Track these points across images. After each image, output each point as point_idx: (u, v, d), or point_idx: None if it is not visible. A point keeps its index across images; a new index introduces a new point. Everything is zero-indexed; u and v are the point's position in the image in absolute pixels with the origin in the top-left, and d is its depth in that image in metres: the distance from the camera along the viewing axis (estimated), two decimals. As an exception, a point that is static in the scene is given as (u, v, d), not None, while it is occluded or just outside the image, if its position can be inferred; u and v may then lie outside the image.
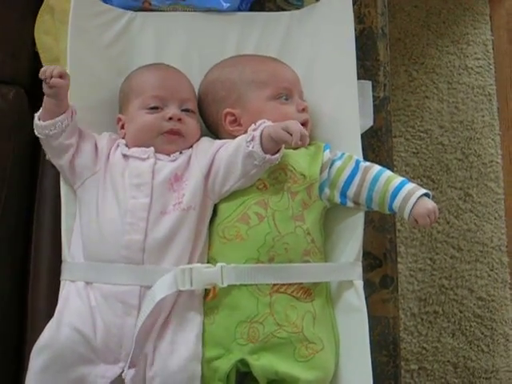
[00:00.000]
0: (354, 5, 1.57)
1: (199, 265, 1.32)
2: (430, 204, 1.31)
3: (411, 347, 2.25)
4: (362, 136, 1.48)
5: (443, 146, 2.48)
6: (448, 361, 2.25)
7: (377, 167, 1.39)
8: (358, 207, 1.40)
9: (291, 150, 1.40)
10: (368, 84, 1.56)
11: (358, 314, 1.36)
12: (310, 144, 1.46)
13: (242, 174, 1.36)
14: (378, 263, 1.54)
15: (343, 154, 1.41)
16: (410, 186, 1.34)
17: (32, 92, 1.71)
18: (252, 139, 1.34)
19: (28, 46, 1.72)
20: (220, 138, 1.49)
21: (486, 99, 2.55)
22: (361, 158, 1.42)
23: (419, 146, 2.47)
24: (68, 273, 1.37)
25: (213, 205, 1.40)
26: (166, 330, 1.31)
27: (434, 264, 2.34)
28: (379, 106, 1.61)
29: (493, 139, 2.50)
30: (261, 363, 1.30)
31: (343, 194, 1.39)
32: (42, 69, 1.34)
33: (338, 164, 1.39)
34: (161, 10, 1.65)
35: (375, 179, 1.36)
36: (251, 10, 1.68)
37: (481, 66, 2.59)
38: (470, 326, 2.29)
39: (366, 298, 1.37)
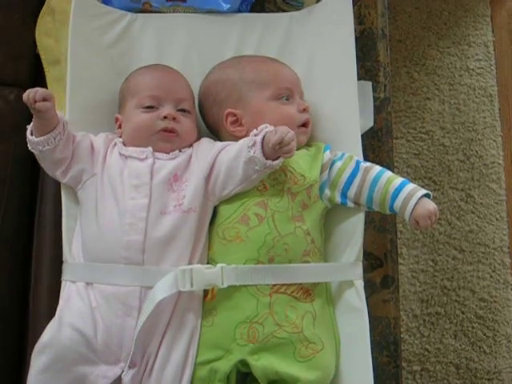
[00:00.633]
0: (354, 6, 1.57)
1: (200, 265, 1.32)
2: (431, 205, 1.31)
3: (413, 348, 2.25)
4: (363, 137, 1.48)
5: (445, 147, 2.48)
6: (450, 362, 2.25)
7: (377, 168, 1.39)
8: (359, 208, 1.40)
9: (291, 151, 1.40)
10: (368, 84, 1.57)
11: (358, 314, 1.37)
12: (310, 145, 1.47)
13: (242, 179, 1.37)
14: (379, 263, 1.54)
15: (343, 154, 1.41)
16: (411, 186, 1.34)
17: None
18: (253, 144, 1.34)
19: (29, 48, 1.72)
20: (221, 139, 1.49)
21: (488, 100, 2.55)
22: (361, 159, 1.42)
23: (420, 147, 2.47)
24: (69, 273, 1.37)
25: (213, 206, 1.40)
26: (166, 332, 1.31)
27: (436, 265, 2.34)
28: (379, 107, 1.61)
29: (494, 140, 2.50)
30: (261, 363, 1.30)
31: (344, 195, 1.39)
32: (25, 94, 1.33)
33: (338, 164, 1.40)
34: (161, 12, 1.66)
35: (376, 180, 1.37)
36: (251, 11, 1.69)
37: (482, 67, 2.59)
38: (472, 327, 2.28)
39: (366, 298, 1.37)
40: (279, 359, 1.30)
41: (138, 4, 1.64)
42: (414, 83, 2.55)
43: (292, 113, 1.46)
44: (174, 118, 1.42)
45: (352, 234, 1.42)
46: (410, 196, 1.32)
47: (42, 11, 1.70)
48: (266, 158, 1.33)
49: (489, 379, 2.24)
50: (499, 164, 2.47)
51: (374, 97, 1.57)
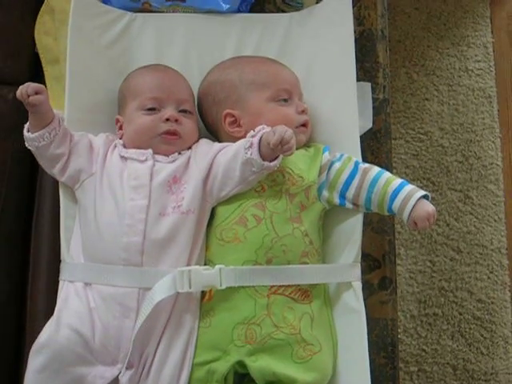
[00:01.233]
0: (353, 7, 1.57)
1: (198, 267, 1.32)
2: (429, 207, 1.31)
3: (411, 349, 2.25)
4: (361, 138, 1.48)
5: (443, 148, 2.47)
6: (447, 363, 2.25)
7: (376, 169, 1.39)
8: (357, 209, 1.40)
9: (290, 152, 1.40)
10: (367, 85, 1.57)
11: (356, 315, 1.36)
12: (309, 145, 1.47)
13: (240, 180, 1.36)
14: (377, 265, 1.54)
15: (342, 155, 1.41)
16: (410, 187, 1.34)
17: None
18: (250, 146, 1.34)
19: (28, 47, 1.72)
20: (219, 139, 1.49)
21: (487, 101, 2.55)
22: (360, 160, 1.42)
23: (419, 148, 2.47)
24: (67, 273, 1.37)
25: (211, 208, 1.40)
26: (164, 333, 1.31)
27: (434, 266, 2.34)
28: (379, 108, 1.61)
29: (493, 141, 2.50)
30: (258, 365, 1.29)
31: (342, 196, 1.39)
32: (18, 90, 1.34)
33: (337, 165, 1.39)
34: (161, 11, 1.65)
35: (374, 181, 1.36)
36: (251, 11, 1.68)
37: (481, 69, 2.59)
38: (470, 329, 2.28)
39: (364, 300, 1.37)
40: (277, 360, 1.30)
41: (137, 3, 1.64)
42: (412, 84, 2.54)
43: (290, 114, 1.45)
44: (176, 120, 1.42)
45: (350, 235, 1.42)
46: (409, 197, 1.32)
47: (41, 10, 1.69)
48: (263, 160, 1.33)
49: (486, 380, 2.24)
50: (497, 165, 2.47)
51: (373, 98, 1.57)
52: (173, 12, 1.66)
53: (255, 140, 1.34)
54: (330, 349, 1.36)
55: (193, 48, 1.63)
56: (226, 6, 1.64)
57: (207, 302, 1.35)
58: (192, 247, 1.35)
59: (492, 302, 2.31)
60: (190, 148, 1.45)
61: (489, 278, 2.34)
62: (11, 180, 1.62)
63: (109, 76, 1.56)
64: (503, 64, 2.60)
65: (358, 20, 1.65)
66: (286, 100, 1.46)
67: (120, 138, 1.45)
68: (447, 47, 2.61)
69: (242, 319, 1.31)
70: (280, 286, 1.33)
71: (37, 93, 1.33)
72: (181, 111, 1.44)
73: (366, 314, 1.36)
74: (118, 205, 1.34)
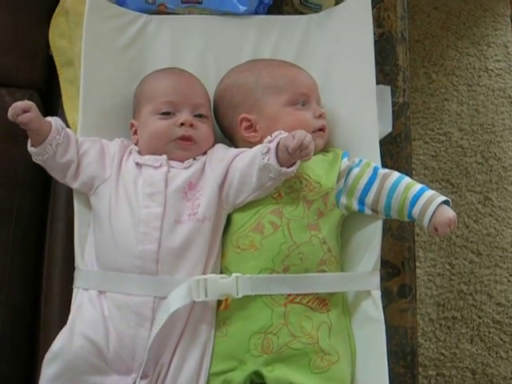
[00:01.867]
0: (373, 8, 1.55)
1: (214, 275, 1.31)
2: (450, 213, 1.29)
3: (429, 353, 2.24)
4: (381, 142, 1.46)
5: (463, 149, 2.46)
6: (466, 367, 2.24)
7: (396, 174, 1.37)
8: (377, 215, 1.38)
9: (307, 157, 1.38)
10: (387, 89, 1.55)
11: (375, 324, 1.34)
12: (327, 150, 1.45)
13: (256, 187, 1.34)
14: (396, 272, 1.52)
15: (361, 160, 1.39)
16: (430, 192, 1.32)
17: (46, 96, 1.71)
18: (267, 151, 1.32)
19: (42, 49, 1.71)
20: (235, 144, 1.48)
21: (507, 102, 2.54)
22: (379, 165, 1.40)
23: (438, 149, 2.46)
24: (81, 281, 1.36)
25: (227, 214, 1.39)
26: (180, 342, 1.30)
27: (453, 269, 2.32)
28: (398, 112, 1.59)
29: (513, 142, 2.48)
30: (275, 375, 1.28)
31: (361, 202, 1.37)
32: (9, 111, 1.33)
33: (355, 171, 1.38)
34: (176, 13, 1.64)
35: (394, 186, 1.35)
36: (268, 13, 1.66)
37: (501, 68, 2.57)
38: (489, 332, 2.27)
39: (383, 308, 1.35)
40: (294, 370, 1.28)
41: (152, 5, 1.62)
42: (432, 84, 2.54)
43: (308, 118, 1.43)
44: (191, 125, 1.40)
45: (370, 242, 1.40)
46: (429, 203, 1.30)
47: (55, 12, 1.69)
48: (281, 165, 1.31)
49: (505, 385, 2.23)
50: (518, 166, 2.46)
51: (392, 101, 1.55)
52: (189, 14, 1.64)
53: (273, 145, 1.32)
54: (349, 358, 1.34)
55: (209, 51, 1.61)
56: (242, 8, 1.61)
57: (223, 310, 1.33)
58: (208, 255, 1.33)
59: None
60: (205, 153, 1.43)
61: (509, 281, 2.33)
62: (25, 187, 1.61)
63: (124, 79, 1.55)
64: (524, 64, 2.58)
65: (378, 22, 1.63)
66: (303, 104, 1.44)
67: (135, 144, 1.44)
68: (467, 47, 2.59)
69: (258, 328, 1.29)
70: (297, 294, 1.31)
71: (24, 111, 1.32)
72: (196, 115, 1.43)
73: (385, 322, 1.34)
74: (133, 212, 1.33)
